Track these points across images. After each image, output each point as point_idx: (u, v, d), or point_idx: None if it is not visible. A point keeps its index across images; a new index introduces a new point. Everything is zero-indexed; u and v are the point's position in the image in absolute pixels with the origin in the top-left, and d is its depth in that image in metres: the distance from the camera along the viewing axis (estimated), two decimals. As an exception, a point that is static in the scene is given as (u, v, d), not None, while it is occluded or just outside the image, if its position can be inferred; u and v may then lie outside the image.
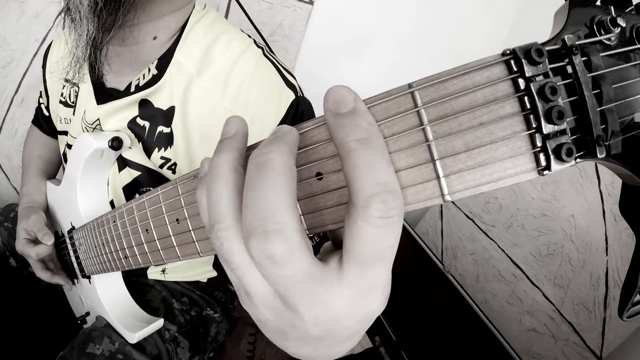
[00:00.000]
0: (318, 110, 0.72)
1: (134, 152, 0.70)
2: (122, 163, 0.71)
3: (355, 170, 0.21)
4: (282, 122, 0.64)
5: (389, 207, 0.21)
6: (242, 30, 0.71)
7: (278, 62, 0.69)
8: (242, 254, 0.24)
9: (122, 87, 0.69)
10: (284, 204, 0.21)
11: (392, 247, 0.22)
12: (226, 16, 1.28)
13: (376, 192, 0.21)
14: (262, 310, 0.25)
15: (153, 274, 0.85)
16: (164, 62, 0.66)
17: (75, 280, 0.81)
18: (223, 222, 0.24)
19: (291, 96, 0.66)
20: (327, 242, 0.29)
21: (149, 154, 0.68)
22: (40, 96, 0.93)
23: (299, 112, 0.66)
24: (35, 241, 0.78)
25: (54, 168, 1.00)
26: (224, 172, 0.25)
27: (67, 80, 0.75)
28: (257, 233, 0.21)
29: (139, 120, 0.67)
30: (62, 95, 0.79)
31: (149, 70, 0.66)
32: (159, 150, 0.67)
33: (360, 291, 0.23)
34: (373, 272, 0.23)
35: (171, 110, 0.66)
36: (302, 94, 0.69)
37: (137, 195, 0.64)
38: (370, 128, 0.22)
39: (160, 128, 0.67)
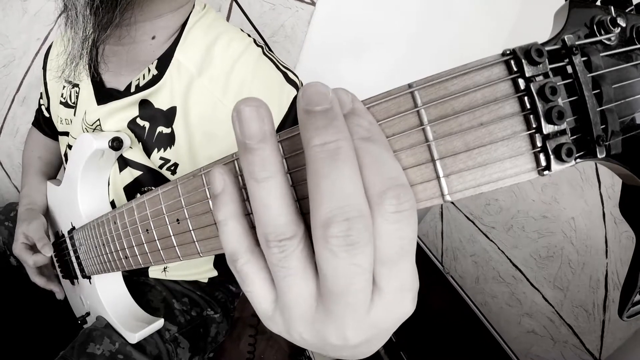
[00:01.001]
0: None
1: (134, 152, 0.70)
2: (123, 163, 0.71)
3: (363, 169, 0.21)
4: (286, 117, 0.64)
5: (401, 200, 0.21)
6: (242, 30, 0.71)
7: (278, 60, 0.69)
8: (302, 260, 0.23)
9: (122, 88, 0.69)
10: (360, 191, 0.21)
11: (412, 240, 0.22)
12: (228, 18, 1.28)
13: (388, 187, 0.21)
14: (299, 326, 0.25)
15: (154, 272, 0.85)
16: (164, 62, 0.65)
17: (76, 281, 0.81)
18: (290, 236, 0.23)
19: (292, 92, 0.66)
20: None
21: (148, 154, 0.68)
22: (41, 97, 0.93)
23: None
24: (33, 248, 0.78)
25: (54, 169, 1.00)
26: (269, 180, 0.23)
27: (67, 82, 0.75)
28: (339, 220, 0.20)
29: (139, 120, 0.67)
30: (62, 96, 0.79)
31: (149, 70, 0.66)
32: (158, 150, 0.67)
33: (392, 294, 0.23)
34: (399, 269, 0.23)
35: (172, 110, 0.65)
36: None
37: (139, 195, 0.64)
38: (371, 127, 0.22)
39: (160, 129, 0.67)
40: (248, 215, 0.27)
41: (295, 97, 0.65)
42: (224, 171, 0.25)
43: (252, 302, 0.27)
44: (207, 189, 0.33)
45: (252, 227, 0.26)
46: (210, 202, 0.33)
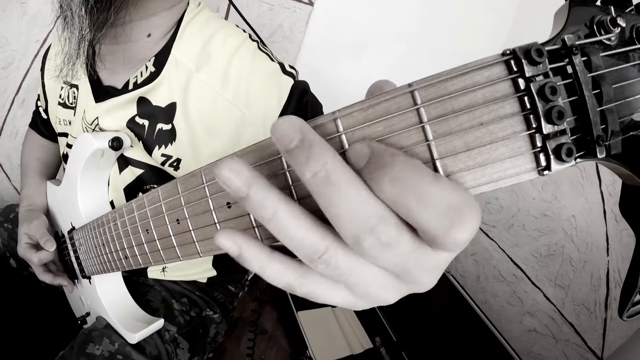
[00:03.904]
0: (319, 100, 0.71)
1: (135, 150, 0.70)
2: (124, 162, 0.71)
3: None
4: (286, 107, 0.65)
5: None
6: (237, 26, 0.71)
7: (272, 54, 0.70)
8: (349, 257, 0.23)
9: (119, 85, 0.69)
10: (368, 199, 0.22)
11: None
12: (226, 19, 1.28)
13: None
14: (380, 297, 0.26)
15: (153, 272, 0.85)
16: (161, 59, 0.66)
17: (76, 281, 0.81)
18: (324, 250, 0.23)
19: (290, 82, 0.66)
20: None
21: (149, 152, 0.68)
22: (38, 99, 0.93)
23: (302, 98, 0.67)
24: (37, 246, 0.78)
25: (53, 170, 1.00)
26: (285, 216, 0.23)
27: (65, 82, 0.75)
28: (365, 233, 0.21)
29: (137, 119, 0.68)
30: (60, 97, 0.79)
31: (147, 67, 0.67)
32: (159, 147, 0.67)
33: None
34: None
35: (172, 106, 0.66)
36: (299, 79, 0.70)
37: (141, 194, 0.64)
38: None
39: (159, 125, 0.67)
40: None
41: (292, 86, 0.66)
42: (231, 234, 0.25)
43: (332, 303, 0.27)
44: (207, 188, 0.33)
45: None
46: (210, 201, 0.32)
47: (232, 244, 0.25)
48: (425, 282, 0.25)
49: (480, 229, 1.42)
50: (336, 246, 0.23)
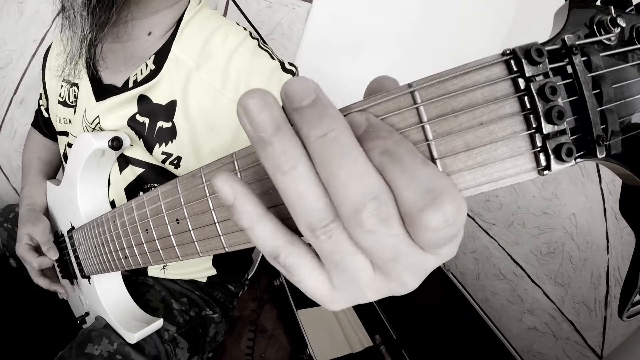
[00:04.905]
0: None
1: (135, 149, 0.70)
2: (124, 162, 0.71)
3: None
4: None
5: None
6: (237, 24, 0.71)
7: (272, 52, 0.70)
8: (346, 238, 0.23)
9: (119, 84, 0.69)
10: (373, 171, 0.21)
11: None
12: (224, 16, 1.28)
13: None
14: (363, 294, 0.25)
15: (153, 270, 0.85)
16: (161, 57, 0.66)
17: (75, 281, 0.81)
18: (331, 220, 0.22)
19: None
20: None
21: (150, 150, 0.68)
22: (40, 98, 0.93)
23: None
24: (37, 249, 0.78)
25: (54, 170, 1.00)
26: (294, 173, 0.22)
27: (65, 81, 0.75)
28: (367, 203, 0.20)
29: (138, 117, 0.68)
30: (60, 95, 0.79)
31: (147, 65, 0.67)
32: (159, 145, 0.67)
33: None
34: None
35: (172, 104, 0.66)
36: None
37: (141, 193, 0.64)
38: (390, 137, 0.22)
39: (160, 123, 0.67)
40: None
41: None
42: (227, 177, 0.24)
43: (305, 290, 0.26)
44: (206, 188, 0.32)
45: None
46: (210, 200, 0.32)
47: (229, 189, 0.24)
48: (408, 281, 0.24)
49: (480, 226, 1.42)
50: (339, 223, 0.22)
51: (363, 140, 0.22)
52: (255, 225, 0.24)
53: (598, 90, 0.22)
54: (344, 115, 0.23)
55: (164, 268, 0.85)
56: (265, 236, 0.24)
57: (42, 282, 0.80)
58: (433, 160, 0.23)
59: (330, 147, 0.21)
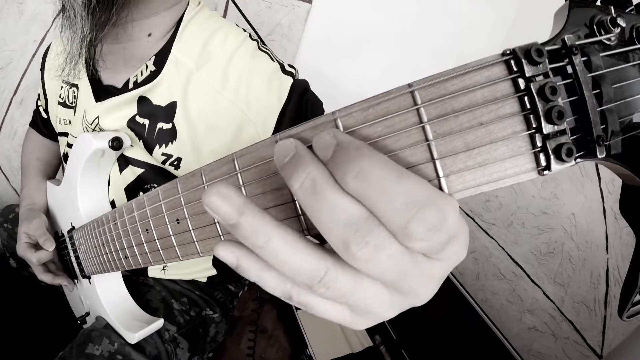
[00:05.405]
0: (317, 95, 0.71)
1: (135, 150, 0.70)
2: (124, 162, 0.71)
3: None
4: (286, 105, 0.65)
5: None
6: (237, 25, 0.72)
7: (272, 54, 0.70)
8: (348, 277, 0.23)
9: (119, 85, 0.69)
10: (350, 199, 0.22)
11: None
12: (224, 17, 1.28)
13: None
14: (382, 314, 0.26)
15: (153, 271, 0.85)
16: (161, 58, 0.66)
17: (75, 281, 0.81)
18: (324, 273, 0.23)
19: (290, 81, 0.66)
20: None
21: (150, 151, 0.68)
22: (39, 98, 0.93)
23: (302, 96, 0.67)
24: (37, 246, 0.78)
25: (53, 170, 1.00)
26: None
27: (65, 82, 0.75)
28: (351, 237, 0.21)
29: (138, 118, 0.68)
30: (60, 96, 0.79)
31: (147, 66, 0.67)
32: (160, 147, 0.67)
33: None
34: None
35: (172, 105, 0.66)
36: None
37: (142, 192, 0.63)
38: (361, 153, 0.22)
39: (160, 125, 0.67)
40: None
41: (292, 85, 0.66)
42: (228, 245, 0.25)
43: (328, 319, 0.27)
44: (206, 188, 0.32)
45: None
46: None
47: (230, 254, 0.25)
48: (422, 291, 0.25)
49: (479, 226, 1.42)
50: (336, 267, 0.23)
51: (334, 167, 0.22)
52: (262, 279, 0.25)
53: (598, 90, 0.22)
54: (314, 135, 0.24)
55: (164, 269, 0.85)
56: (273, 286, 0.25)
57: (46, 278, 0.79)
58: (433, 160, 0.23)
59: (306, 195, 0.22)
